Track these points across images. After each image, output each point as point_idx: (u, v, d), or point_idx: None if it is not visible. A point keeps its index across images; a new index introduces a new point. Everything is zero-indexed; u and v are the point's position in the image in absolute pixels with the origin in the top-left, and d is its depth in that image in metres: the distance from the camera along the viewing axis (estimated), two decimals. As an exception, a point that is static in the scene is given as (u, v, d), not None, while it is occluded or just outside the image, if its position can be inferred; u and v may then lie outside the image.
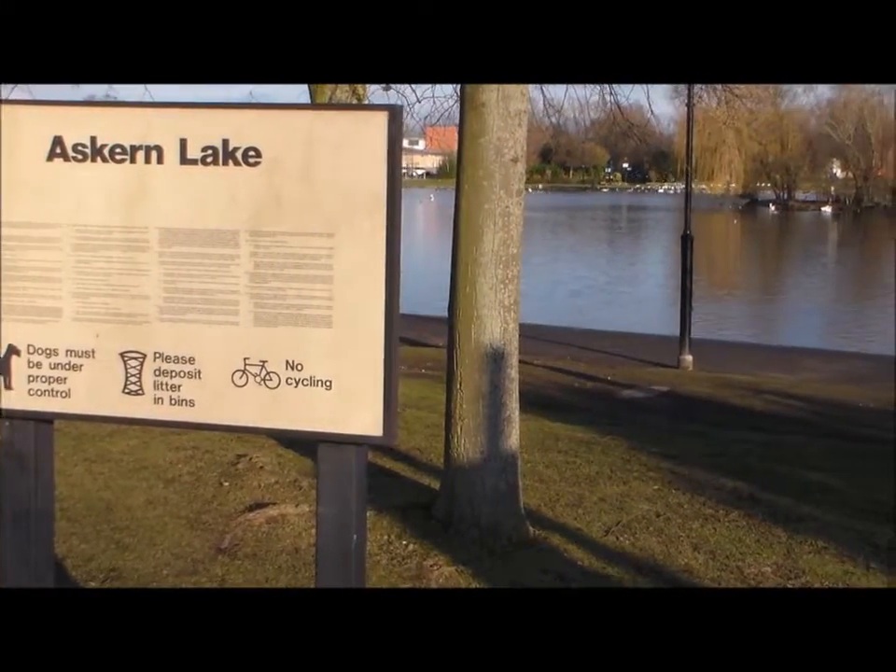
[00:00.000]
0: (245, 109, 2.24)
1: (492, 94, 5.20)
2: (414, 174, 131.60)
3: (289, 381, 2.26)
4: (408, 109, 11.92)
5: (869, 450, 8.49)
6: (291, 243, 2.22)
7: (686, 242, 15.02)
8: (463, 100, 5.42)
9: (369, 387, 2.20)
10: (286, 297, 2.24)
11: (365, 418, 2.21)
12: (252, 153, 2.23)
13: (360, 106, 2.07)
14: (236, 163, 2.24)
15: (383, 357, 2.17)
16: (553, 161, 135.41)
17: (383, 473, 6.70)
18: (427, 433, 7.81)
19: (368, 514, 5.57)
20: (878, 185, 75.21)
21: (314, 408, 2.24)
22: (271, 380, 2.27)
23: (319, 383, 2.24)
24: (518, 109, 5.28)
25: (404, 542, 5.25)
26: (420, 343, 15.41)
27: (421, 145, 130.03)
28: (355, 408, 2.21)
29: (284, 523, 5.55)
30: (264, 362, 2.27)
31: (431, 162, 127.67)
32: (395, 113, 2.13)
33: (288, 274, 2.23)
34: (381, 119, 2.13)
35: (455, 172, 5.54)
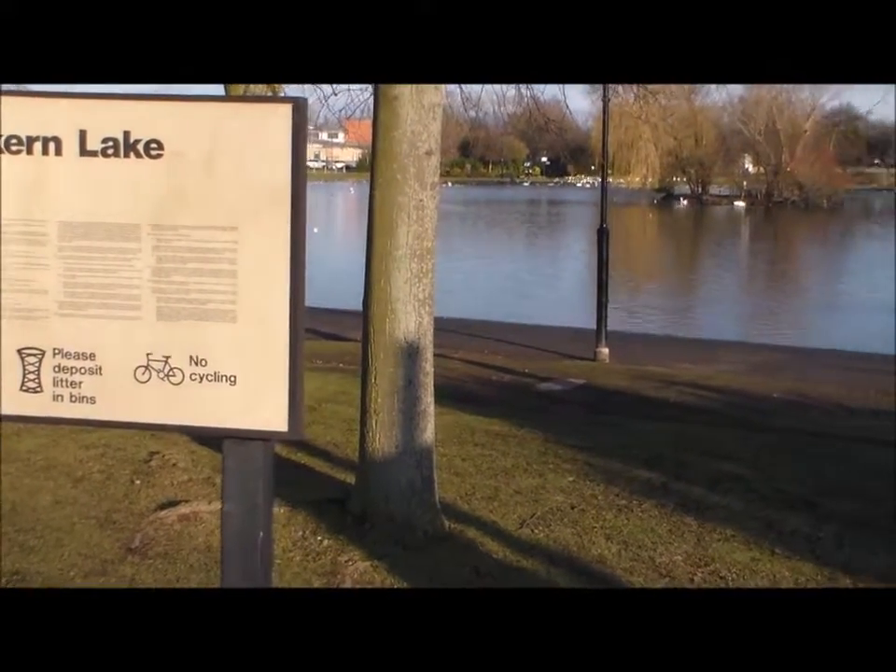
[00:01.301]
0: (146, 101, 2.20)
1: (406, 88, 5.18)
2: (334, 167, 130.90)
3: (193, 376, 2.22)
4: (324, 102, 11.84)
5: (777, 439, 8.67)
6: (194, 236, 2.18)
7: (602, 235, 15.18)
8: (377, 93, 5.40)
9: (274, 382, 2.17)
10: (189, 291, 2.20)
11: (271, 413, 2.18)
12: (154, 145, 2.19)
13: (264, 99, 2.05)
14: (138, 156, 2.20)
15: (288, 351, 2.15)
16: (473, 155, 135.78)
17: (298, 468, 6.66)
18: (343, 428, 7.78)
19: (282, 510, 5.56)
20: (788, 180, 76.79)
21: (218, 403, 2.21)
22: (174, 376, 2.23)
23: (224, 378, 2.21)
24: (432, 103, 5.27)
25: (319, 538, 5.22)
26: (339, 338, 15.35)
27: (341, 138, 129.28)
28: (260, 403, 2.19)
29: (196, 521, 5.49)
30: (167, 358, 2.24)
31: (351, 155, 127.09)
32: (299, 106, 2.11)
33: (192, 269, 2.20)
34: (285, 111, 2.10)
35: (370, 165, 5.51)
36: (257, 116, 2.14)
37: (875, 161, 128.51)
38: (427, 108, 5.23)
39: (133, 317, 2.23)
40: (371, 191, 5.41)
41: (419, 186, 5.27)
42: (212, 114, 2.16)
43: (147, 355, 2.24)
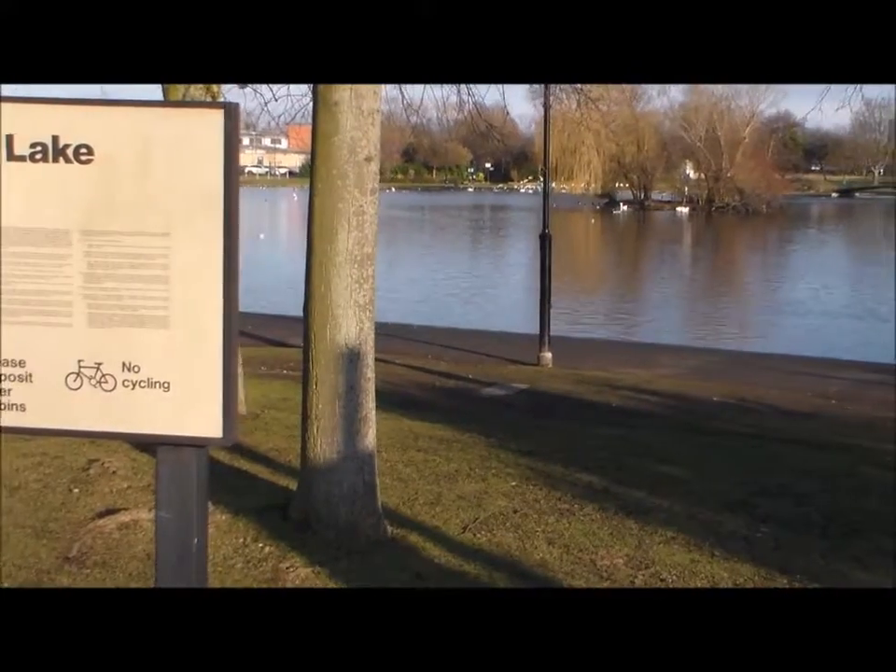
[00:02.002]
0: (75, 105, 2.18)
1: (345, 93, 5.18)
2: (277, 172, 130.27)
3: (126, 383, 2.21)
4: (264, 107, 11.78)
5: (716, 442, 8.78)
6: (126, 242, 2.17)
7: (544, 241, 15.25)
8: (316, 99, 5.38)
9: (207, 388, 2.16)
10: (121, 297, 2.18)
11: (204, 419, 2.17)
12: (84, 150, 2.17)
13: (195, 104, 2.03)
14: (67, 161, 2.18)
15: (221, 357, 2.14)
16: (417, 161, 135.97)
17: (240, 475, 6.62)
18: (286, 434, 7.75)
19: (223, 517, 5.52)
20: (728, 186, 77.76)
21: (151, 410, 2.19)
22: (106, 382, 2.22)
23: (157, 384, 2.19)
24: (371, 108, 5.28)
25: (260, 545, 5.19)
26: (284, 344, 15.26)
27: (284, 143, 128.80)
28: (193, 409, 2.18)
29: (136, 528, 5.43)
30: (99, 364, 2.22)
31: (294, 161, 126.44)
32: (231, 111, 2.10)
33: (124, 274, 2.18)
34: (216, 117, 2.10)
35: (310, 171, 5.50)
36: (188, 121, 2.13)
37: (813, 168, 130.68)
38: (366, 114, 5.23)
39: (65, 324, 2.21)
40: (310, 197, 5.40)
41: (359, 192, 5.27)
42: (143, 119, 2.15)
43: (79, 361, 2.22)
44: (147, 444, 6.21)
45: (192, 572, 2.16)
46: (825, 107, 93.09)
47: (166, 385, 2.19)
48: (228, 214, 2.11)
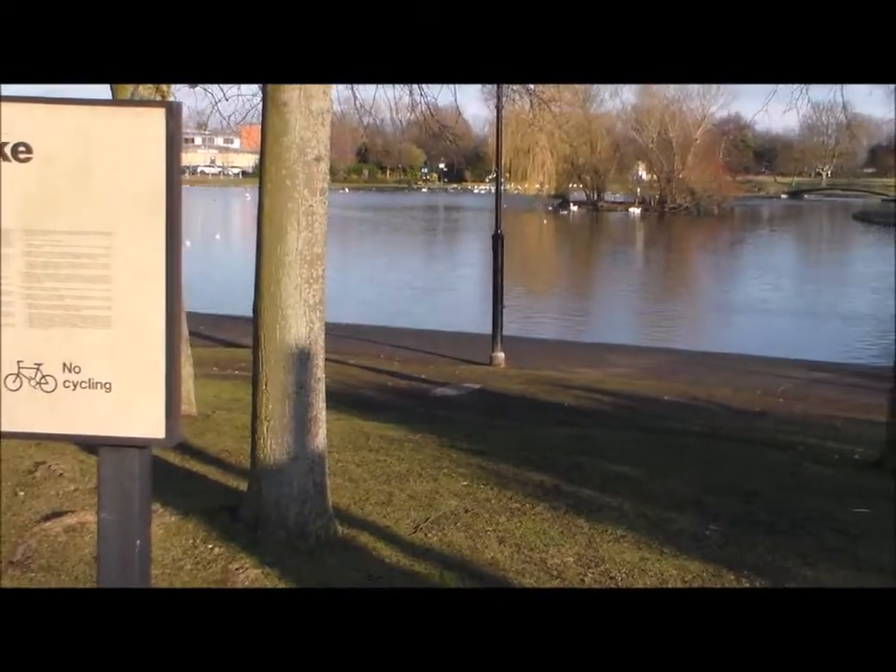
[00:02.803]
0: (13, 103, 2.15)
1: (294, 93, 5.16)
2: (230, 172, 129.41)
3: (67, 384, 2.18)
4: (214, 107, 11.71)
5: (667, 441, 8.86)
6: (67, 242, 2.14)
7: (497, 241, 15.30)
8: (265, 98, 5.36)
9: (150, 389, 2.15)
10: (62, 297, 2.16)
11: (147, 420, 2.15)
12: (22, 149, 2.15)
13: (137, 103, 2.00)
14: (5, 159, 2.15)
15: (165, 357, 2.13)
16: (371, 161, 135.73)
17: (190, 476, 6.58)
18: (236, 435, 7.71)
19: (173, 519, 5.48)
20: (680, 187, 78.44)
21: (93, 411, 2.17)
22: (47, 383, 2.19)
23: (98, 385, 2.17)
24: (321, 108, 5.26)
25: (209, 546, 5.16)
26: (235, 344, 15.19)
27: (237, 143, 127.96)
28: (136, 410, 2.16)
29: (83, 531, 5.37)
30: (39, 365, 2.19)
31: (248, 161, 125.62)
32: (173, 110, 2.09)
33: (64, 274, 2.16)
34: (158, 115, 2.08)
35: (259, 171, 5.47)
36: (130, 120, 2.11)
37: (763, 169, 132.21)
38: (315, 114, 5.22)
39: (4, 324, 2.18)
40: (260, 197, 5.37)
41: (308, 192, 5.25)
42: (84, 117, 2.13)
43: (18, 362, 2.19)
44: (91, 445, 6.15)
45: (136, 573, 2.14)
46: (773, 110, 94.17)
47: (108, 385, 2.17)
48: (171, 213, 2.09)
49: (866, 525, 6.28)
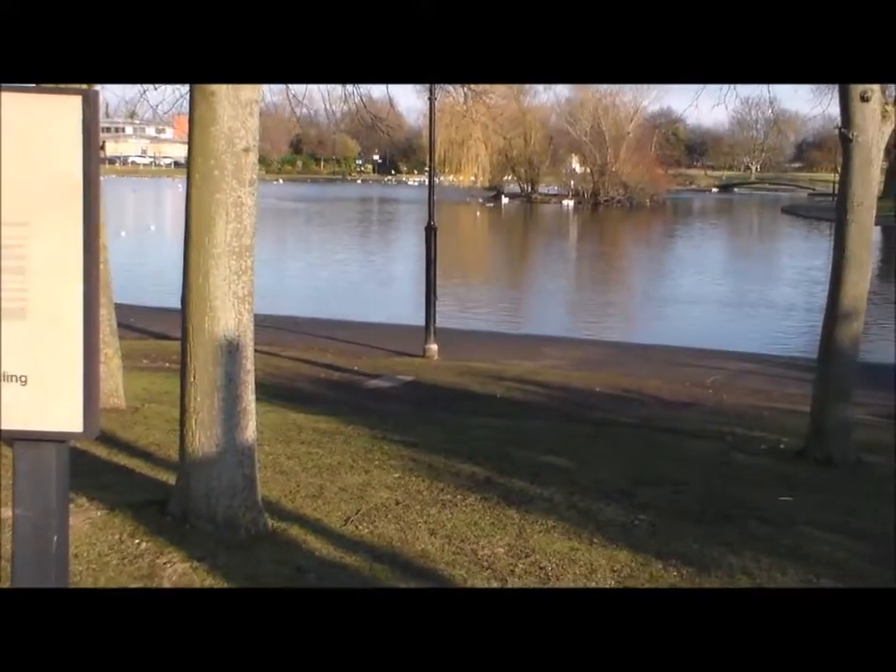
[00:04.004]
0: (-76, 89, 2.10)
1: (222, 83, 5.11)
2: (162, 163, 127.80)
3: (-21, 377, 2.13)
4: (142, 95, 11.55)
5: (598, 432, 8.95)
6: (-20, 232, 2.09)
7: (430, 233, 15.30)
8: (193, 88, 5.29)
9: (67, 381, 2.10)
10: (-25, 288, 2.10)
11: (64, 414, 2.11)
12: (-68, 136, 2.09)
13: (53, 90, 1.95)
14: (-85, 147, 2.09)
15: (82, 349, 2.08)
16: (305, 152, 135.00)
17: (118, 470, 6.49)
18: (166, 428, 7.62)
19: (99, 514, 5.40)
20: (613, 180, 79.13)
21: (7, 405, 2.12)
22: (-41, 376, 2.13)
23: (13, 378, 2.12)
24: (249, 99, 5.21)
25: (137, 541, 5.09)
26: (165, 336, 15.01)
27: (169, 133, 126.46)
28: (52, 403, 2.11)
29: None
30: (-48, 357, 2.13)
31: (180, 151, 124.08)
32: (89, 98, 2.04)
33: (-23, 265, 2.10)
34: (75, 103, 2.03)
35: (187, 161, 5.40)
36: (45, 107, 2.06)
37: (694, 163, 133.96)
38: (244, 105, 5.16)
39: (-84, 316, 2.12)
40: (188, 188, 5.30)
41: (237, 183, 5.20)
42: (-3, 104, 2.07)
43: (-69, 355, 2.13)
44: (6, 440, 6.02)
45: (52, 571, 2.10)
46: (703, 105, 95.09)
47: (23, 378, 2.12)
48: (88, 203, 2.05)
49: (790, 513, 6.41)
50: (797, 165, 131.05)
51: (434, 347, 15.10)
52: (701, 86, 13.47)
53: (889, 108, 8.02)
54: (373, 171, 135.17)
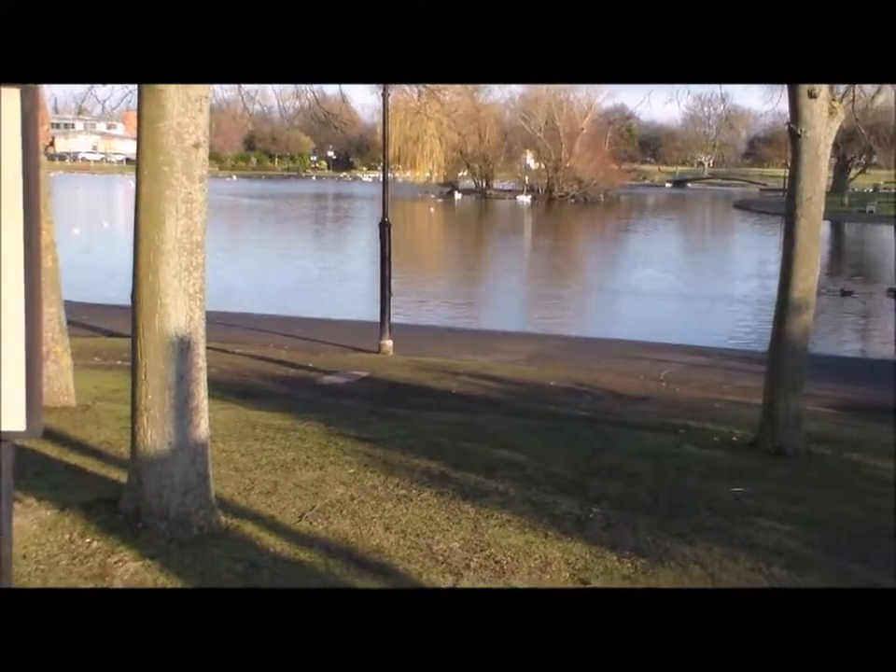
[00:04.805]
0: None
1: (171, 77, 5.06)
2: (113, 159, 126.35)
3: (-81, 377, 2.09)
4: (89, 90, 11.41)
5: (552, 426, 8.98)
6: (-83, 229, 2.05)
7: (384, 229, 15.27)
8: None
9: (9, 380, 2.07)
10: (-88, 287, 2.06)
11: (6, 412, 2.08)
12: None
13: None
14: None
15: (24, 347, 2.06)
16: (258, 148, 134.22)
17: (69, 469, 6.42)
18: (118, 426, 7.54)
19: (49, 514, 5.35)
20: (567, 176, 79.45)
21: (-53, 404, 2.08)
22: None
23: (-47, 377, 2.09)
24: (199, 94, 5.17)
25: (87, 540, 5.04)
26: (117, 334, 14.85)
27: (120, 129, 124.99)
28: (-7, 402, 2.08)
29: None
30: None
31: (132, 148, 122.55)
32: (28, 92, 2.01)
33: (-85, 263, 2.06)
34: (12, 97, 2.01)
35: (136, 157, 5.35)
36: (-19, 101, 2.03)
37: (648, 158, 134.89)
38: (193, 100, 5.12)
39: None
40: (137, 184, 5.25)
41: (187, 179, 5.16)
42: (-68, 97, 2.03)
43: None
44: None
45: (-3, 570, 2.08)
46: (656, 101, 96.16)
47: (-37, 377, 2.09)
48: (28, 199, 2.02)
49: (741, 504, 6.48)
50: (749, 161, 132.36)
51: (389, 343, 15.08)
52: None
53: (836, 105, 8.12)
54: (328, 167, 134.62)
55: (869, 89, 8.84)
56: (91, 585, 4.52)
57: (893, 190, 77.98)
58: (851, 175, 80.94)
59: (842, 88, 8.31)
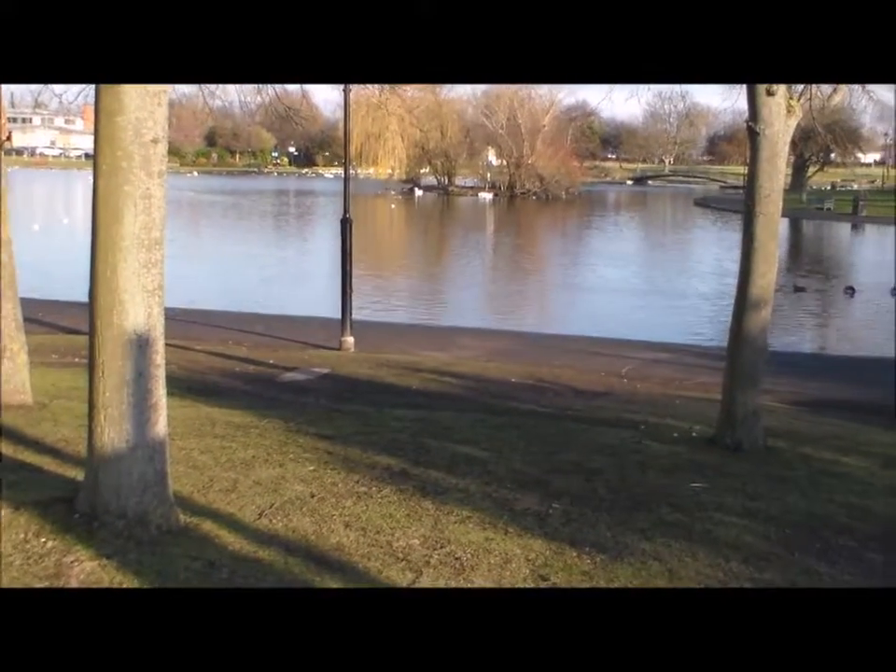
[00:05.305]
0: None
1: (129, 72, 5.01)
2: (72, 154, 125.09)
3: None
4: (46, 87, 11.27)
5: (513, 422, 8.99)
6: None
7: (345, 225, 15.23)
8: (99, 76, 5.18)
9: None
10: None
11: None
12: None
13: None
14: None
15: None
16: (219, 144, 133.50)
17: (24, 468, 6.35)
18: (75, 424, 7.46)
19: (3, 513, 5.28)
20: (529, 172, 79.62)
21: None
22: None
23: None
24: (158, 89, 5.11)
25: (43, 539, 4.97)
26: (75, 331, 14.72)
27: (79, 125, 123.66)
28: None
29: None
30: None
31: (90, 142, 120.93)
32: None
33: None
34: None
35: (94, 152, 5.29)
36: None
37: (609, 156, 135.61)
38: (151, 94, 5.06)
39: None
40: (94, 180, 5.19)
41: (146, 174, 5.11)
42: None
43: None
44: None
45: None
46: (616, 98, 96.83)
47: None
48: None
49: (700, 499, 6.53)
50: (709, 158, 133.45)
51: (350, 340, 15.06)
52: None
53: (794, 103, 8.19)
54: (290, 163, 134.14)
55: (826, 88, 8.92)
56: (45, 585, 4.47)
57: (850, 188, 79.03)
58: (809, 173, 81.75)
59: (800, 87, 8.38)
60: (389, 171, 77.75)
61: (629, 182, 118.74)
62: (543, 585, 4.87)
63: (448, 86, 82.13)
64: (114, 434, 5.21)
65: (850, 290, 25.83)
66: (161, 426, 5.35)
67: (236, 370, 12.57)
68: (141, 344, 5.20)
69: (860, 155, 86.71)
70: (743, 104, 8.36)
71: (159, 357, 5.33)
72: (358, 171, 71.43)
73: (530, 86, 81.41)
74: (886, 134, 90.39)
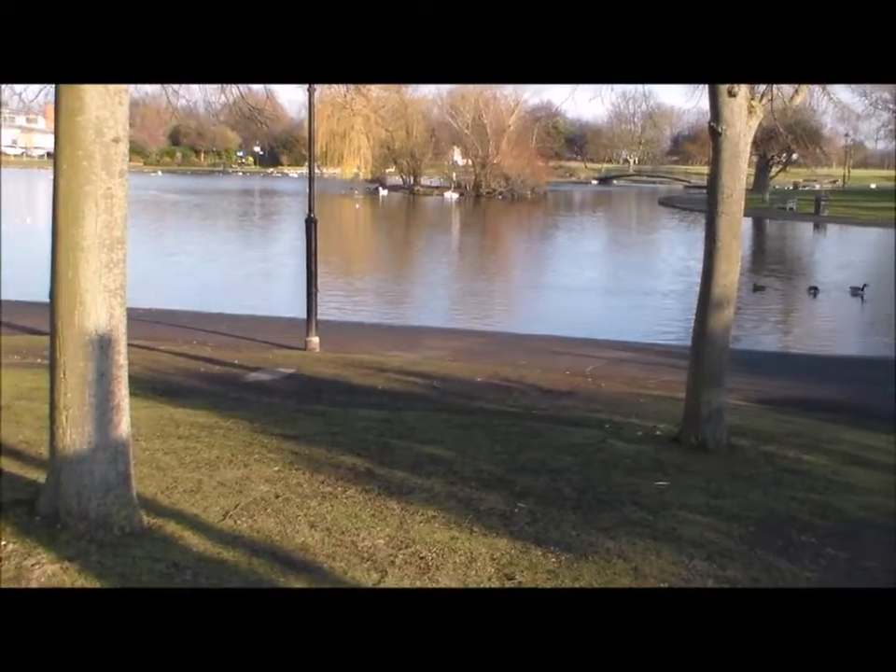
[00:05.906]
0: None
1: (90, 70, 4.96)
2: (34, 153, 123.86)
3: None
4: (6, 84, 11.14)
5: (478, 421, 9.00)
6: None
7: (310, 225, 15.18)
8: (59, 74, 5.13)
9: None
10: None
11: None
12: None
13: None
14: None
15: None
16: (184, 144, 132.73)
17: (-15, 471, 6.28)
18: (37, 425, 7.39)
19: (-36, 516, 5.21)
20: (495, 172, 79.74)
21: None
22: None
23: None
24: (118, 88, 5.07)
25: (3, 542, 4.91)
26: (37, 332, 14.58)
27: (41, 123, 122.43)
28: None
29: None
30: None
31: (52, 141, 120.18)
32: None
33: None
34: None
35: (54, 151, 5.24)
36: None
37: (574, 156, 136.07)
38: (112, 93, 5.03)
39: None
40: (55, 179, 5.14)
41: (107, 174, 5.07)
42: None
43: None
44: None
45: None
46: (580, 98, 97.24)
47: None
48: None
49: (664, 497, 6.57)
50: (673, 158, 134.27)
51: (315, 339, 15.01)
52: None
53: (755, 104, 8.26)
54: (255, 163, 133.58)
55: (787, 89, 9.00)
56: (4, 587, 4.43)
57: (812, 188, 79.79)
58: (772, 174, 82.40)
59: (761, 87, 8.45)
60: (355, 170, 77.57)
61: (594, 182, 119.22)
62: (509, 584, 4.89)
63: (413, 86, 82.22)
64: (76, 435, 5.17)
65: (814, 290, 26.08)
66: (123, 426, 5.31)
67: (201, 370, 12.50)
68: (103, 345, 5.16)
69: (821, 156, 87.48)
70: (706, 103, 8.42)
71: (121, 357, 5.29)
72: (324, 170, 71.28)
73: (495, 86, 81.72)
74: (846, 135, 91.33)
